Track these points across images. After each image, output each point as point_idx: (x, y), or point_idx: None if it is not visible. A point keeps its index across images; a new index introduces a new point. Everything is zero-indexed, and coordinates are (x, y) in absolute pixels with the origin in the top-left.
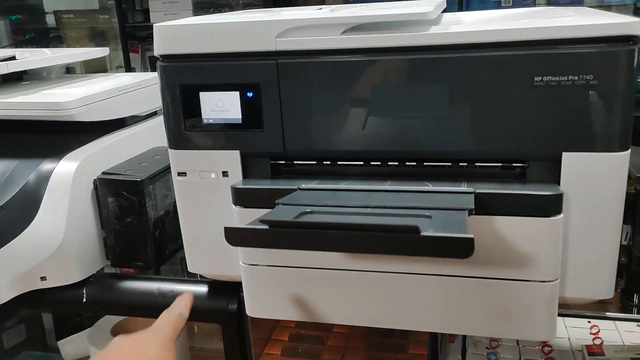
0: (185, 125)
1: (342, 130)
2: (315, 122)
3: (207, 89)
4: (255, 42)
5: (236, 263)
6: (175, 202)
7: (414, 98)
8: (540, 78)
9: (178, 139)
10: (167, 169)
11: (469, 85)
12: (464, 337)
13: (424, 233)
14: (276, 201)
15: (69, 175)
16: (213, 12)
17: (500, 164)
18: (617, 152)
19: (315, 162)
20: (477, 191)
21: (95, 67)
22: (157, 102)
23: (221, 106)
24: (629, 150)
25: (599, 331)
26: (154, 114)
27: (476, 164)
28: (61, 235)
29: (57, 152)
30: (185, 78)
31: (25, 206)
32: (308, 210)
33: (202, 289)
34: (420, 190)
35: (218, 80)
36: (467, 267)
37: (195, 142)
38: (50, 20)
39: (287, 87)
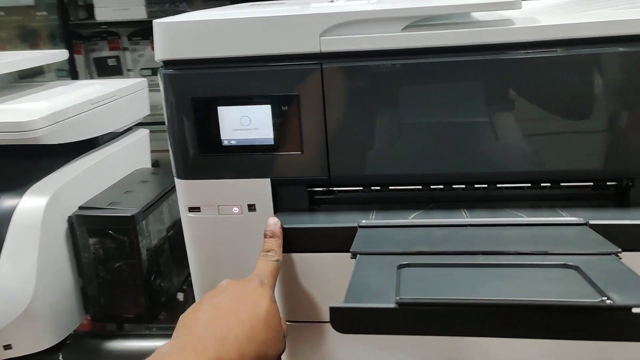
0: (199, 149)
1: (399, 149)
2: (369, 141)
3: (228, 102)
4: (294, 41)
5: None
6: (168, 236)
7: (490, 107)
8: None
9: (189, 167)
10: (162, 198)
11: (563, 89)
12: None
13: (636, 310)
14: (352, 250)
15: (37, 214)
16: (169, 7)
17: (592, 184)
18: None
19: (361, 189)
20: (590, 222)
21: (32, 72)
22: (135, 115)
23: (247, 124)
24: None
25: None
26: (129, 129)
27: (562, 185)
28: (30, 292)
29: (19, 183)
30: (199, 89)
31: None
32: (404, 263)
33: None
34: (518, 224)
35: (243, 92)
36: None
37: (213, 169)
38: None
39: (333, 98)
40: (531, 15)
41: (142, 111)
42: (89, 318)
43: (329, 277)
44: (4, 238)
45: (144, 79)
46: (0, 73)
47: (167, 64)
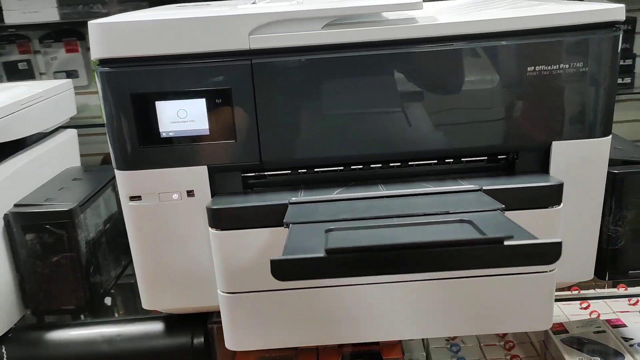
0: (139, 141)
1: (323, 134)
2: (296, 128)
3: (165, 97)
4: (226, 40)
5: (204, 293)
6: (105, 230)
7: (401, 95)
8: (533, 68)
9: (129, 158)
10: (97, 193)
11: (462, 78)
12: None
13: (508, 242)
14: (285, 220)
15: None
16: (83, 9)
17: (486, 157)
18: (602, 138)
19: (290, 172)
20: (484, 188)
21: None
22: (63, 115)
23: (183, 116)
24: (611, 136)
25: None
26: (57, 130)
27: (463, 159)
28: None
29: None
30: (137, 85)
31: None
32: (331, 228)
33: (159, 326)
34: (426, 193)
35: (179, 87)
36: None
37: (152, 160)
38: None
39: (263, 90)
40: (431, 15)
41: (69, 111)
42: (29, 312)
43: (264, 250)
44: None
45: (70, 80)
46: None
47: (104, 62)
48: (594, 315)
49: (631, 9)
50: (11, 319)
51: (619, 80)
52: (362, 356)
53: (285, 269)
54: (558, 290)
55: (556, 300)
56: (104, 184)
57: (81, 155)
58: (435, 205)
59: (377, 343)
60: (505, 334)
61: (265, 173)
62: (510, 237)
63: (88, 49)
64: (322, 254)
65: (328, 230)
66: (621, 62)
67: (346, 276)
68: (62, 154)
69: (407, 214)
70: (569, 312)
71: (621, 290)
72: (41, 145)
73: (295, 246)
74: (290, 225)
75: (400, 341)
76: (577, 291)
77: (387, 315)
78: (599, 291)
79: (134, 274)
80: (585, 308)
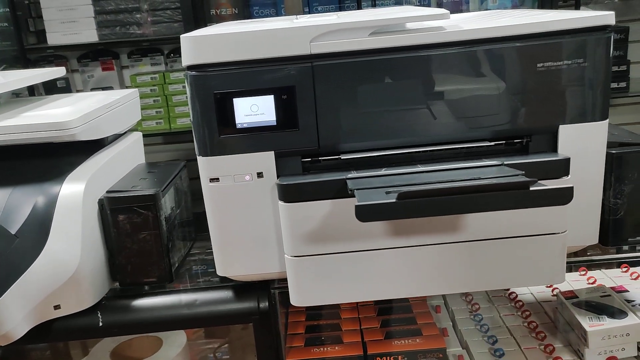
0: (218, 131)
1: (370, 124)
2: (348, 118)
3: (241, 95)
4: (291, 47)
5: (270, 261)
6: (176, 214)
7: (435, 90)
8: (542, 64)
9: (211, 146)
10: (171, 182)
11: (485, 76)
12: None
13: (533, 188)
14: (350, 188)
15: (77, 197)
16: (120, 30)
17: (505, 141)
18: (601, 121)
19: (339, 157)
20: (505, 162)
21: None
22: (133, 119)
23: (255, 110)
24: (607, 119)
25: None
26: (126, 132)
27: (484, 144)
28: (77, 260)
29: (56, 174)
30: (218, 86)
31: (36, 233)
32: (391, 191)
33: (229, 293)
34: (458, 167)
35: (252, 86)
36: (494, 230)
37: (230, 147)
38: None
39: (321, 88)
40: (456, 23)
41: (136, 116)
42: (117, 284)
43: (324, 219)
44: (52, 218)
45: (136, 89)
46: (14, 89)
47: (192, 67)
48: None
49: (623, 20)
50: (103, 289)
51: (615, 85)
52: (401, 322)
53: (368, 212)
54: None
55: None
56: (175, 175)
57: None
58: (468, 175)
59: (411, 311)
60: (522, 304)
61: (321, 158)
62: (534, 182)
63: (123, 67)
64: (394, 200)
65: (388, 192)
66: (616, 68)
67: (414, 216)
68: (133, 152)
69: (447, 180)
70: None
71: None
72: (118, 145)
73: (367, 199)
74: (355, 190)
75: (428, 310)
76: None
77: (424, 274)
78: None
79: (196, 253)
80: (592, 284)
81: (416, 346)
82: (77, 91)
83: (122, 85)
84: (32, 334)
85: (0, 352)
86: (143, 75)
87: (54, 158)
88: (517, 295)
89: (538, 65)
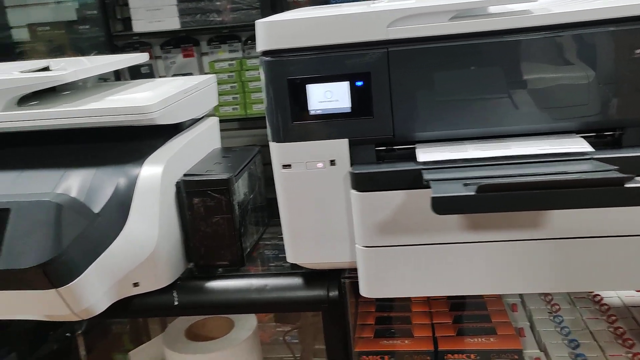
0: (291, 117)
1: (448, 112)
2: (424, 107)
3: (315, 80)
4: (367, 32)
5: (341, 250)
6: (249, 199)
7: (521, 76)
8: (639, 51)
9: (284, 132)
10: (245, 167)
11: (579, 62)
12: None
13: (627, 185)
14: (425, 177)
15: (156, 179)
16: (200, 17)
17: (595, 133)
18: None
19: (414, 146)
20: (595, 156)
21: None
22: (209, 104)
23: (329, 97)
24: None
25: None
26: (203, 117)
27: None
28: (155, 239)
29: (136, 157)
30: (292, 72)
31: (117, 212)
32: (470, 183)
33: (299, 280)
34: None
35: (327, 72)
36: (582, 228)
37: (303, 133)
38: (19, 34)
39: (397, 74)
40: (544, 5)
41: (213, 101)
42: (191, 265)
43: (397, 210)
44: (132, 199)
45: (214, 75)
46: (102, 72)
47: (266, 53)
48: None
49: None
50: (178, 270)
51: None
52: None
53: (445, 204)
54: None
55: None
56: (249, 161)
57: None
58: (553, 168)
59: (486, 308)
60: (608, 308)
61: (395, 147)
62: (631, 178)
63: (202, 53)
64: (473, 192)
65: (466, 185)
66: None
67: (495, 211)
68: (209, 136)
69: (530, 174)
70: None
71: None
72: (194, 129)
73: (444, 191)
74: (431, 181)
75: (504, 308)
76: None
77: (502, 270)
78: None
79: (269, 238)
80: None
81: (490, 345)
82: (160, 77)
83: (202, 72)
84: (112, 309)
85: (85, 326)
86: (221, 61)
87: (135, 141)
88: (602, 298)
89: (636, 51)
